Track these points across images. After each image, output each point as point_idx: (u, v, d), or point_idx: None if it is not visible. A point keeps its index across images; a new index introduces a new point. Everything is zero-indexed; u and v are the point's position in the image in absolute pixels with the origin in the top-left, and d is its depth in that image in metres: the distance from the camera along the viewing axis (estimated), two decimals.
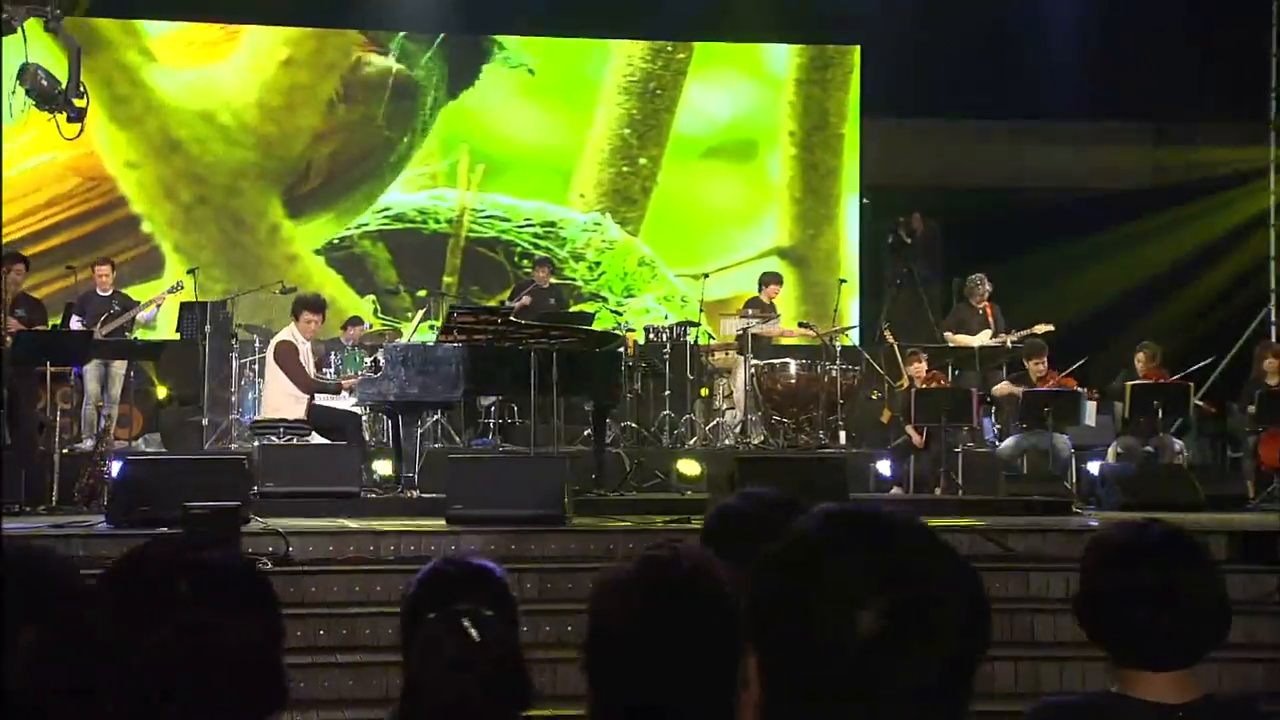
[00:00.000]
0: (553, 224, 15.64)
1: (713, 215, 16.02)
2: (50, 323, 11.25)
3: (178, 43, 15.25)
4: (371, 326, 13.37)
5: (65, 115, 8.41)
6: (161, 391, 12.79)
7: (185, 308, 12.76)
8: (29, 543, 2.12)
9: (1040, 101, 15.74)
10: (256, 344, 12.40)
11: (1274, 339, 14.51)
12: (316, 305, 10.70)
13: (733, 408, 13.04)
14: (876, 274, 15.83)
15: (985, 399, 12.71)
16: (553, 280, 14.07)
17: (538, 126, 15.82)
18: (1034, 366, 11.93)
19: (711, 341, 13.64)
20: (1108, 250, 15.99)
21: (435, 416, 12.07)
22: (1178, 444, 11.92)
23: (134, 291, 12.98)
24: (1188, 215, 16.31)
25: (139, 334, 12.22)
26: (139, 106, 14.94)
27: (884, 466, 11.87)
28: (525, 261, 15.21)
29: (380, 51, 15.51)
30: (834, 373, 12.57)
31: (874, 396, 13.46)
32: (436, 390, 9.96)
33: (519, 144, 15.75)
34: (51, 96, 8.32)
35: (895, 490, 11.68)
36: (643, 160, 15.89)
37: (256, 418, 11.00)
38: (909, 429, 11.76)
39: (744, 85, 16.32)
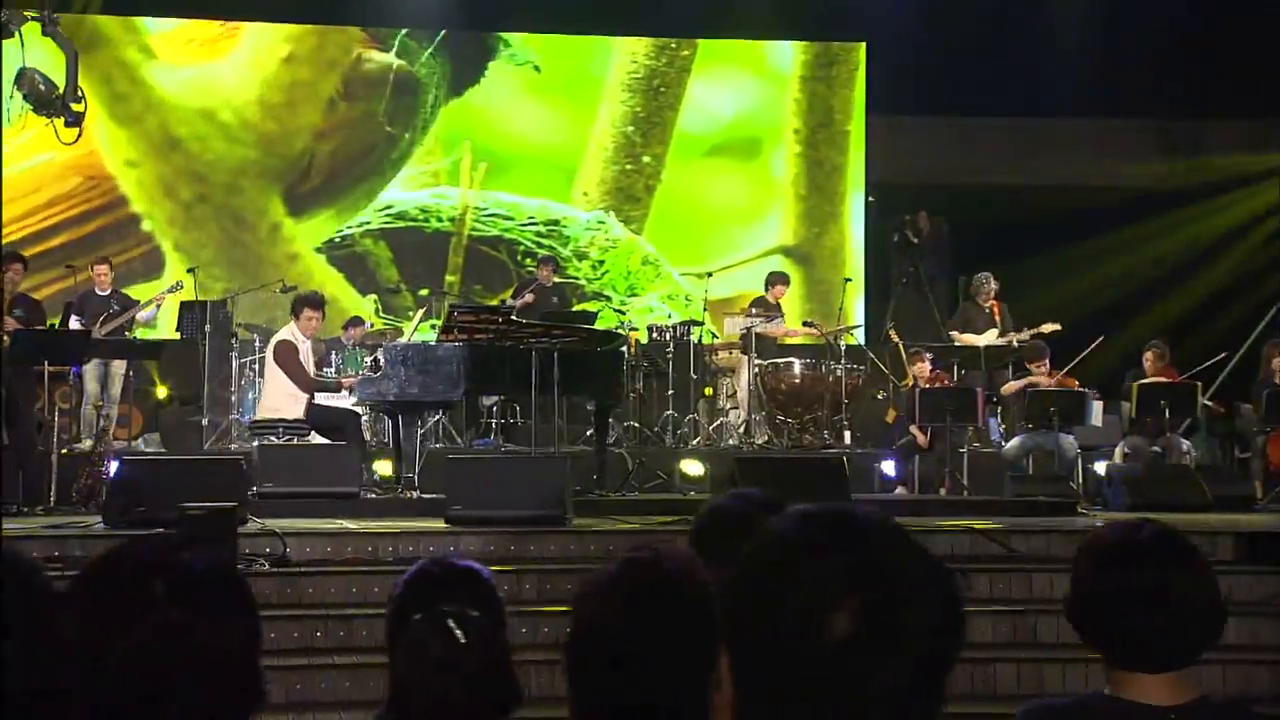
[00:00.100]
0: (556, 222, 15.57)
1: (717, 213, 15.95)
2: (49, 323, 11.19)
3: (178, 40, 15.19)
4: (373, 326, 13.29)
5: (63, 120, 8.41)
6: (161, 391, 12.73)
7: (185, 307, 12.71)
8: None
9: (1047, 99, 15.68)
10: (257, 343, 12.33)
11: None
12: (317, 302, 10.63)
13: (736, 407, 12.96)
14: (882, 273, 15.79)
15: (991, 399, 12.63)
16: (556, 279, 13.99)
17: (541, 124, 15.76)
18: (1037, 368, 11.87)
19: (715, 341, 13.55)
20: (1115, 249, 15.94)
21: (436, 416, 12.00)
22: (1185, 444, 11.84)
23: (135, 291, 12.94)
24: (1195, 214, 16.25)
25: (139, 333, 12.18)
26: (139, 104, 14.88)
27: (888, 467, 11.79)
28: (528, 260, 15.15)
29: (381, 48, 15.45)
30: (839, 372, 12.50)
31: (879, 396, 13.40)
32: (437, 390, 9.89)
33: (522, 141, 15.69)
34: (49, 101, 8.33)
35: (900, 490, 11.60)
36: (646, 158, 15.82)
37: (255, 417, 10.93)
38: (913, 429, 11.68)
39: (748, 82, 16.24)
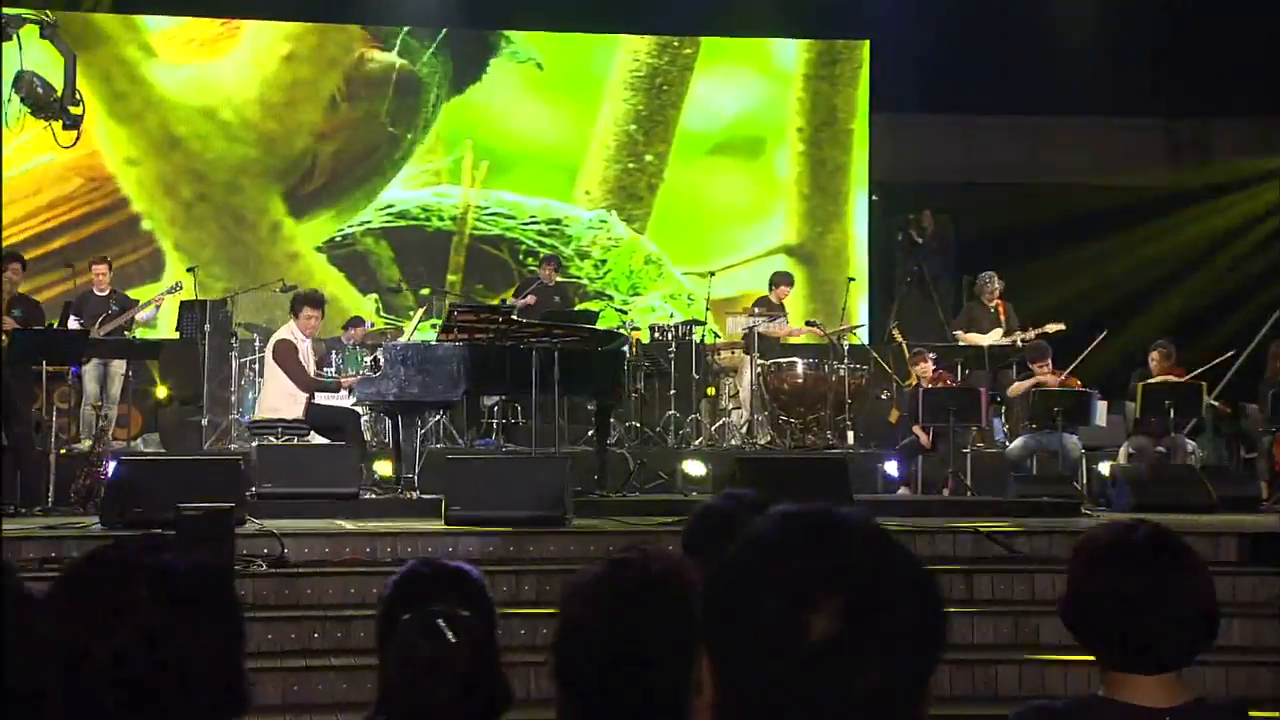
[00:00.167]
0: (558, 221, 15.52)
1: (719, 212, 15.90)
2: (48, 323, 11.16)
3: (178, 38, 15.15)
4: (373, 326, 13.24)
5: (61, 123, 8.43)
6: (161, 391, 12.68)
7: (185, 306, 12.66)
8: None
9: (1052, 97, 15.62)
10: (256, 343, 12.28)
11: None
12: (316, 301, 10.57)
13: (739, 407, 12.92)
14: (885, 272, 15.74)
15: (995, 399, 12.57)
16: (558, 278, 13.93)
17: (543, 122, 15.71)
18: (1039, 369, 11.81)
19: (717, 340, 13.49)
20: (1120, 248, 15.89)
21: (437, 416, 11.96)
22: (1190, 445, 11.79)
23: (136, 293, 12.89)
24: (1201, 213, 16.20)
25: (138, 333, 12.14)
26: (139, 102, 14.83)
27: (892, 467, 11.73)
28: (530, 259, 15.10)
29: (383, 48, 15.40)
30: (842, 372, 12.46)
31: (883, 396, 13.34)
32: (436, 390, 9.85)
33: (524, 140, 15.64)
34: (47, 104, 8.36)
35: (903, 491, 11.55)
36: (649, 157, 15.77)
37: (254, 417, 10.88)
38: (916, 429, 11.62)
39: (751, 81, 16.18)
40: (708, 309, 13.47)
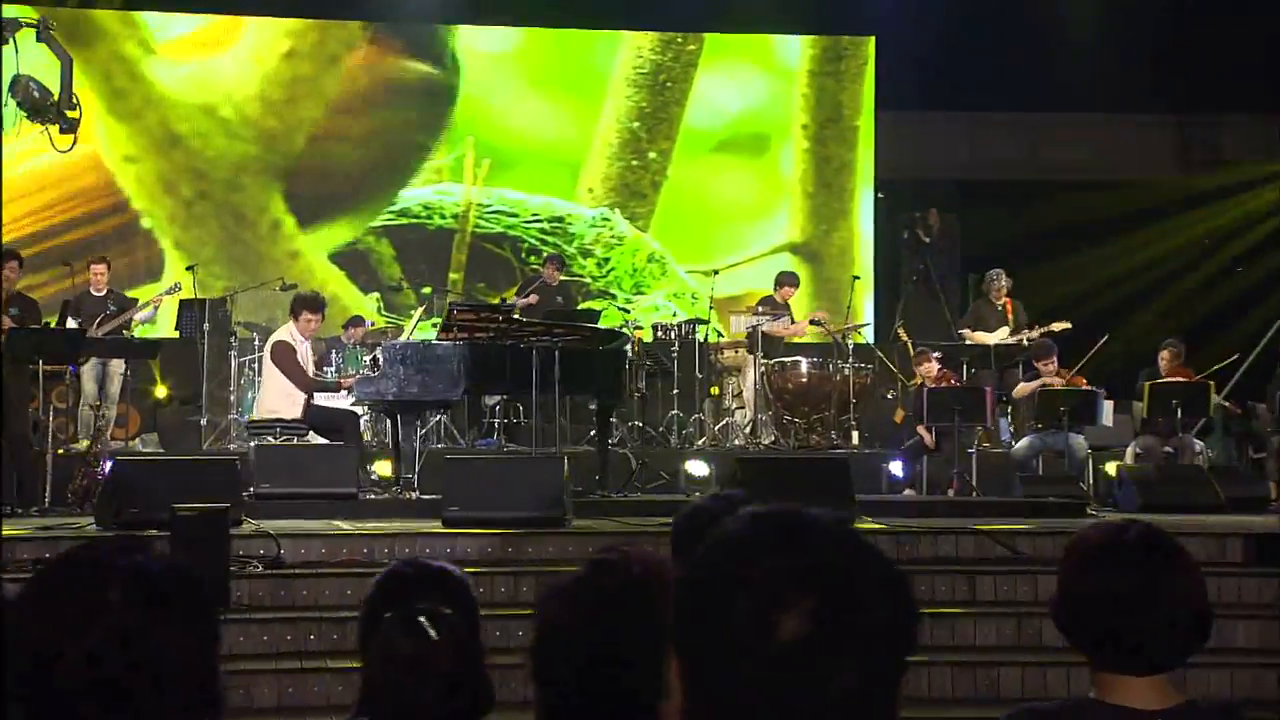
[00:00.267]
0: (560, 219, 15.44)
1: (724, 210, 15.83)
2: (45, 321, 11.09)
3: (178, 35, 15.04)
4: (374, 325, 13.17)
5: (58, 127, 8.40)
6: (161, 391, 12.63)
7: (185, 305, 12.61)
8: None
9: (1058, 94, 15.53)
10: (256, 342, 12.21)
11: None
12: (316, 304, 10.49)
13: (742, 407, 12.84)
14: (891, 270, 15.67)
15: (1001, 398, 12.48)
16: (561, 277, 13.85)
17: (545, 119, 15.62)
18: (1044, 368, 11.71)
19: (721, 339, 13.41)
20: (1127, 246, 15.80)
21: (438, 416, 11.89)
22: (1198, 445, 11.70)
23: (137, 293, 12.84)
24: (1210, 210, 16.12)
25: (137, 332, 12.07)
26: (138, 100, 14.76)
27: (896, 468, 11.64)
28: (533, 258, 15.03)
29: (417, 55, 15.30)
30: (846, 371, 12.38)
31: (888, 396, 13.25)
32: (436, 389, 9.78)
33: (526, 137, 15.56)
34: (43, 108, 8.35)
35: (908, 491, 11.47)
36: (652, 154, 15.69)
37: (252, 417, 10.82)
38: (920, 429, 11.53)
39: (756, 77, 16.10)
40: (711, 308, 13.39)
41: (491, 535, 8.25)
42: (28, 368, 9.70)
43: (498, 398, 11.76)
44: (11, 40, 8.17)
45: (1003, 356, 12.64)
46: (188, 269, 13.03)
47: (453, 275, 15.09)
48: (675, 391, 12.58)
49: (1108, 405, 11.67)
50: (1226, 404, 12.52)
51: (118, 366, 11.67)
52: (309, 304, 10.46)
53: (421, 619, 2.30)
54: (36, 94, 8.27)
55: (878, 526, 8.74)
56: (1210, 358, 12.52)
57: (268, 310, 13.12)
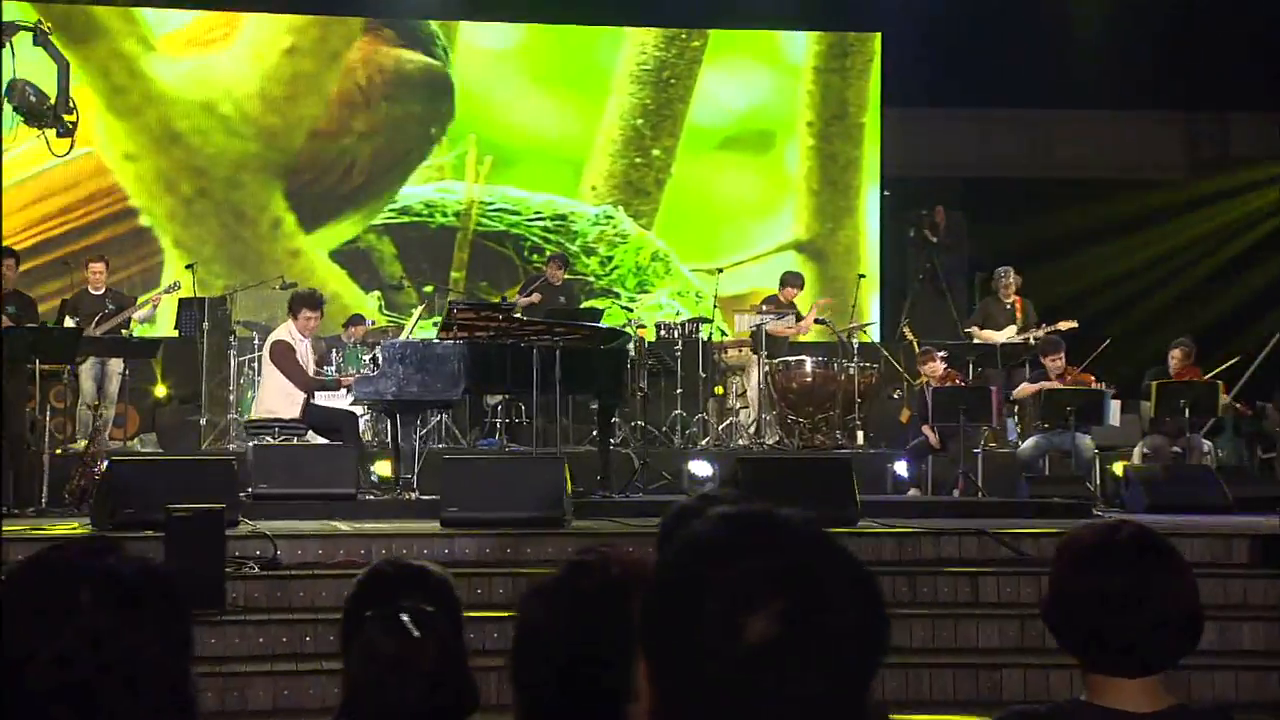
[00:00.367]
0: (563, 217, 15.36)
1: (728, 208, 15.74)
2: (42, 321, 11.05)
3: (177, 31, 14.96)
4: (374, 324, 13.10)
5: (55, 131, 8.42)
6: (160, 390, 12.57)
7: (184, 304, 12.56)
8: None
9: (1066, 90, 15.44)
10: (256, 341, 12.13)
11: None
12: (314, 302, 10.42)
13: (746, 407, 12.75)
14: (897, 269, 15.59)
15: (1008, 399, 12.38)
16: (564, 276, 13.76)
17: (547, 116, 15.54)
18: (1051, 363, 11.60)
19: (725, 339, 13.33)
20: (1136, 244, 15.72)
21: (439, 416, 11.82)
22: (1206, 445, 11.61)
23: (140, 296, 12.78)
24: (1219, 208, 16.02)
25: (137, 330, 12.00)
26: (138, 97, 14.67)
27: (901, 468, 11.56)
28: (535, 256, 14.96)
29: (412, 46, 15.23)
30: (852, 370, 12.30)
31: (894, 396, 13.16)
32: (436, 389, 9.74)
33: (528, 134, 15.48)
34: (40, 113, 8.36)
35: (913, 492, 11.38)
36: (656, 151, 15.61)
37: (250, 417, 10.75)
38: (925, 429, 11.44)
39: (761, 74, 16.01)
40: (715, 306, 13.30)
41: (491, 536, 8.22)
42: (25, 367, 9.65)
43: (499, 398, 11.70)
44: (8, 44, 8.14)
45: (1009, 356, 12.55)
46: (187, 267, 12.96)
47: (454, 274, 15.01)
48: (679, 391, 12.50)
49: (1115, 405, 11.58)
50: (1237, 405, 12.42)
51: (116, 366, 11.59)
52: (308, 302, 10.38)
53: (403, 617, 2.28)
54: (33, 98, 8.30)
55: (870, 530, 8.67)
56: (1219, 357, 12.42)
57: (268, 309, 13.02)
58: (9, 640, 1.54)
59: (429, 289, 14.33)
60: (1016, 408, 12.56)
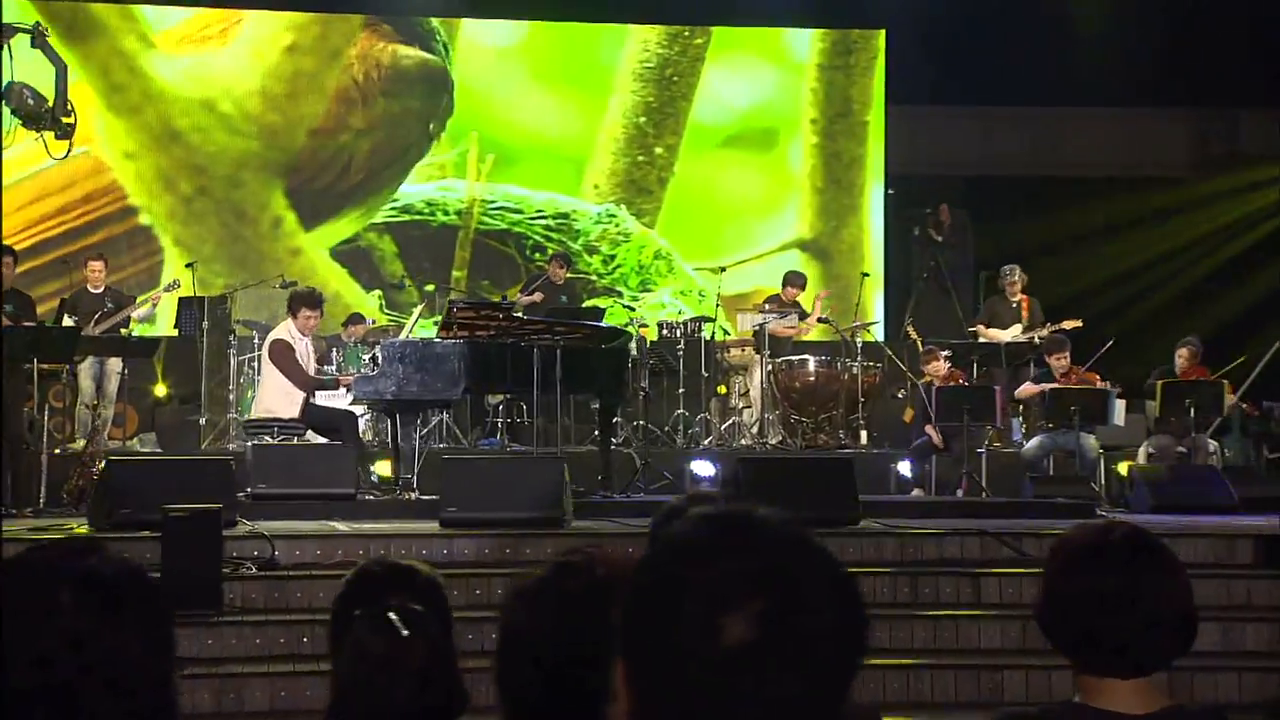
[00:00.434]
0: (565, 216, 15.30)
1: (731, 206, 15.68)
2: (40, 320, 11.01)
3: (177, 29, 14.91)
4: (376, 323, 13.05)
5: (53, 133, 8.40)
6: (160, 390, 12.53)
7: (184, 303, 12.52)
8: None
9: (1072, 88, 15.36)
10: (256, 340, 12.09)
11: None
12: (314, 301, 10.36)
13: (749, 406, 12.69)
14: (901, 267, 15.53)
15: (1012, 399, 12.31)
16: (567, 275, 13.70)
17: (550, 114, 15.48)
18: (1056, 362, 11.53)
19: (728, 338, 13.28)
20: (1143, 241, 15.65)
21: (440, 416, 11.78)
22: (1212, 444, 11.54)
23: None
24: (1226, 207, 15.96)
25: (137, 329, 11.95)
26: (137, 94, 14.60)
27: (905, 468, 11.50)
28: (537, 255, 14.90)
29: (411, 42, 15.17)
30: (855, 370, 12.25)
31: (898, 395, 13.10)
32: (436, 388, 9.69)
33: (530, 132, 15.42)
34: (38, 115, 8.36)
35: (916, 492, 11.32)
36: (659, 149, 15.55)
37: (249, 416, 10.70)
38: (928, 428, 11.37)
39: (764, 71, 15.94)
40: (718, 305, 13.25)
41: (490, 537, 8.19)
42: (23, 366, 9.61)
43: (501, 397, 11.65)
44: (7, 47, 8.13)
45: (1014, 355, 12.49)
46: (187, 266, 12.90)
47: (456, 273, 14.96)
48: (681, 390, 12.44)
49: (1120, 404, 11.52)
50: (1244, 405, 12.34)
51: (115, 365, 11.53)
52: (307, 300, 10.33)
53: (392, 616, 2.28)
54: (31, 101, 8.31)
55: (871, 530, 8.61)
56: (1229, 356, 12.34)
57: (268, 308, 12.96)
58: None
59: (430, 288, 14.28)
60: (1021, 407, 12.50)
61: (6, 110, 8.25)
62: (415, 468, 9.97)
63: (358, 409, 10.65)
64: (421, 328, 12.56)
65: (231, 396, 12.14)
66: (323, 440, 10.17)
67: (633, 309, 13.52)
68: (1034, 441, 11.50)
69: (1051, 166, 15.99)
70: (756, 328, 12.48)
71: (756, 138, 15.78)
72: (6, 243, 11.49)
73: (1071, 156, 16.00)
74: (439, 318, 11.76)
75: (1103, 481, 11.22)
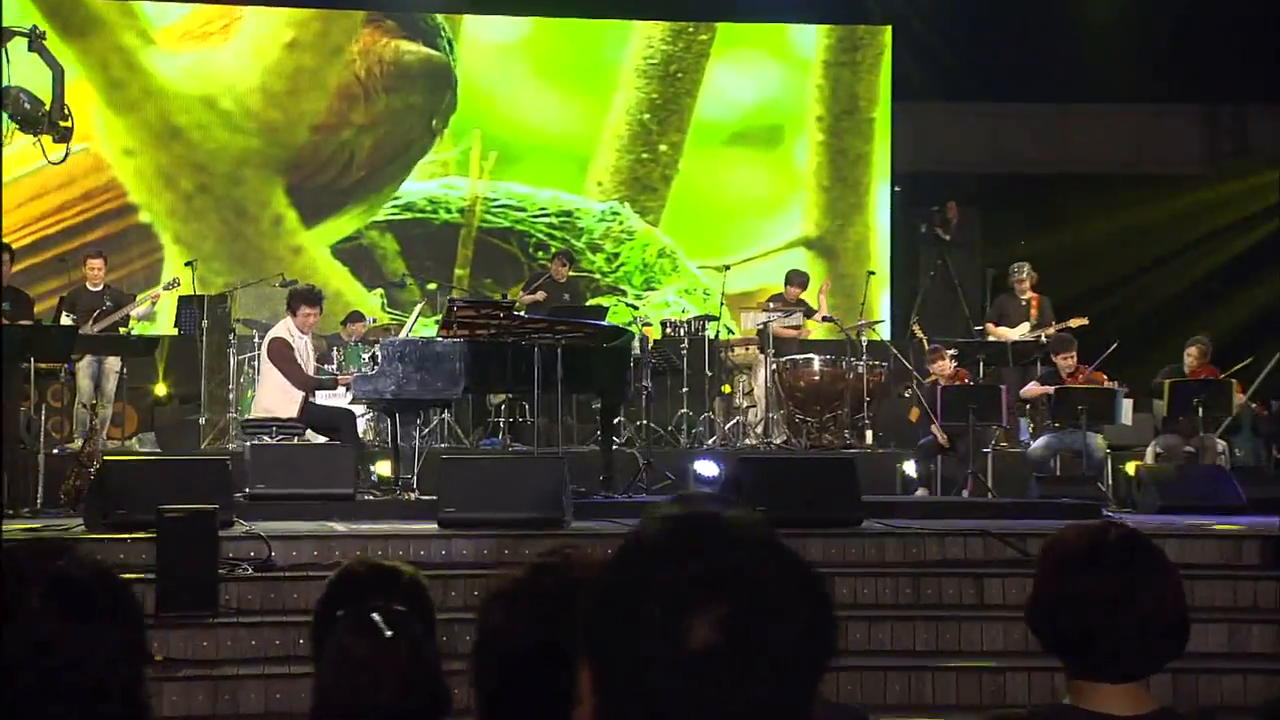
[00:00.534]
0: (569, 214, 15.23)
1: (736, 204, 15.61)
2: (38, 318, 10.97)
3: (177, 25, 14.86)
4: (376, 321, 13.00)
5: (50, 137, 8.39)
6: (160, 389, 12.48)
7: (184, 302, 12.46)
8: None
9: (1081, 84, 15.28)
10: (256, 339, 12.03)
11: None
12: (313, 298, 10.30)
13: (754, 405, 12.62)
14: (907, 265, 15.45)
15: (1018, 398, 12.23)
16: (570, 273, 13.64)
17: (553, 112, 15.42)
18: (1062, 361, 11.44)
19: (732, 336, 13.20)
20: (1152, 239, 15.59)
21: (441, 415, 11.72)
22: (1220, 444, 11.45)
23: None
24: (1237, 205, 15.88)
25: (136, 328, 11.90)
26: (137, 91, 14.54)
27: (911, 467, 11.43)
28: (540, 253, 14.84)
29: (415, 39, 15.12)
30: (860, 369, 12.18)
31: (904, 394, 13.02)
32: (436, 387, 9.62)
33: (533, 130, 15.37)
34: (35, 119, 8.34)
35: (922, 492, 11.25)
36: (663, 147, 15.48)
37: (248, 416, 10.65)
38: (934, 428, 11.29)
39: (769, 68, 15.87)
40: (723, 304, 13.18)
41: (489, 537, 8.11)
42: (20, 365, 9.56)
43: (502, 397, 11.59)
44: (4, 51, 8.09)
45: (1021, 354, 12.41)
46: (187, 264, 12.83)
47: (458, 271, 14.91)
48: (685, 390, 12.38)
49: (1127, 404, 11.43)
50: (1253, 404, 12.25)
51: (114, 364, 11.47)
52: (306, 298, 10.27)
53: (375, 617, 2.27)
54: (28, 105, 8.30)
55: (873, 531, 8.54)
56: (1235, 356, 12.26)
57: (268, 307, 12.91)
58: None
59: (432, 286, 14.22)
60: (1028, 407, 12.42)
61: (4, 116, 8.22)
62: (415, 468, 9.91)
63: (357, 408, 10.59)
64: (422, 326, 12.49)
65: (231, 396, 12.09)
66: (322, 440, 10.12)
67: (636, 307, 13.47)
68: (1040, 441, 11.42)
69: (1059, 163, 15.90)
70: (760, 326, 12.41)
71: (761, 135, 15.70)
72: (4, 240, 11.44)
73: (1079, 153, 15.91)
74: (439, 316, 11.70)
75: (1110, 482, 11.15)
